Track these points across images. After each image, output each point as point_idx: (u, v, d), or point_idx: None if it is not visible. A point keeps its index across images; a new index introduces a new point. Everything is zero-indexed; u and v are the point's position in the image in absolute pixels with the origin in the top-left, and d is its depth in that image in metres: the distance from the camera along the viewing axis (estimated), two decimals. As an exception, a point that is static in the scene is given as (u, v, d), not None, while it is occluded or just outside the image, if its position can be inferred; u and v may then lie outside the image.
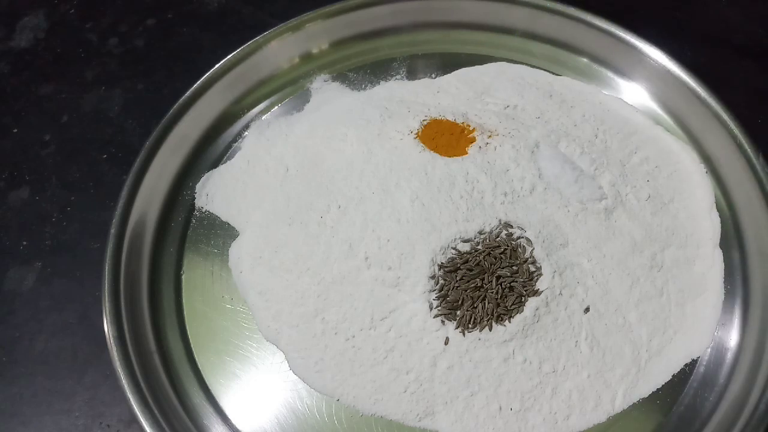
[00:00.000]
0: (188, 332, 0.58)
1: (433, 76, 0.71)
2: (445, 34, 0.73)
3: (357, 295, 0.55)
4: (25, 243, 0.66)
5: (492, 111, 0.65)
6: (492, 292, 0.54)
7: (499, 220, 0.57)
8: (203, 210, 0.64)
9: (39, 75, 0.78)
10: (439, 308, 0.54)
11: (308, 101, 0.70)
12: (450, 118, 0.64)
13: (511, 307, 0.53)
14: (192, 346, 0.57)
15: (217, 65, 0.67)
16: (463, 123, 0.63)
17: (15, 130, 0.73)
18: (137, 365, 0.53)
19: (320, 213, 0.59)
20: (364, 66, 0.72)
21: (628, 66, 0.68)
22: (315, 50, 0.72)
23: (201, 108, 0.66)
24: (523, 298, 0.54)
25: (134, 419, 0.51)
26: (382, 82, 0.71)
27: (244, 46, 0.68)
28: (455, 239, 0.56)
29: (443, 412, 0.52)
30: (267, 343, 0.56)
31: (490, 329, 0.53)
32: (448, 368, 0.52)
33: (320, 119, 0.67)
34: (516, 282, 0.54)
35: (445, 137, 0.62)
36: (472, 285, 0.54)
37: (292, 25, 0.70)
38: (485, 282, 0.54)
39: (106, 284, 0.56)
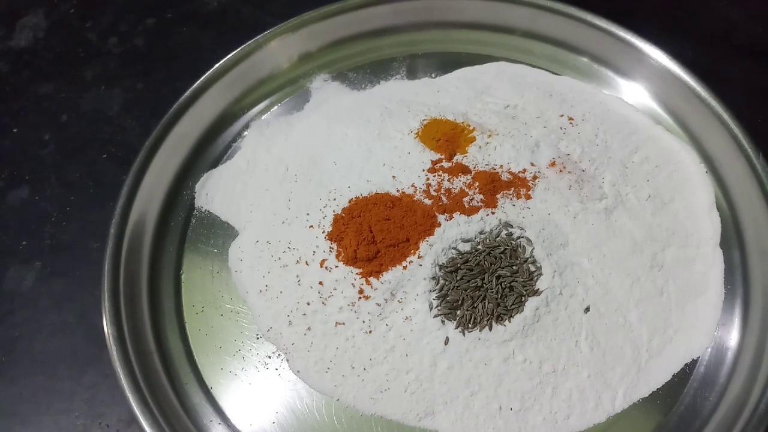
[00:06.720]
0: (188, 332, 0.57)
1: (433, 75, 0.70)
2: (445, 33, 0.73)
3: (357, 294, 0.55)
4: (24, 243, 0.66)
5: (492, 110, 0.65)
6: (492, 292, 0.54)
7: (499, 220, 0.57)
8: (203, 210, 0.64)
9: (38, 74, 0.78)
10: (440, 308, 0.54)
11: (308, 101, 0.70)
12: (450, 117, 0.64)
13: (511, 306, 0.53)
14: (191, 345, 0.57)
15: (216, 65, 0.67)
16: (463, 123, 0.63)
17: (15, 130, 0.73)
18: (137, 365, 0.53)
19: (320, 212, 0.59)
20: (364, 65, 0.72)
21: (629, 65, 0.68)
22: (315, 50, 0.72)
23: (201, 107, 0.66)
24: (523, 297, 0.54)
25: (134, 419, 0.51)
26: (382, 82, 0.71)
27: (244, 45, 0.68)
28: (455, 239, 0.56)
29: (443, 412, 0.52)
30: (267, 343, 0.56)
31: (490, 329, 0.53)
32: (448, 368, 0.52)
33: (320, 119, 0.66)
34: (516, 282, 0.54)
35: (445, 137, 0.62)
36: (473, 285, 0.54)
37: (292, 24, 0.70)
38: (485, 282, 0.54)
39: (106, 284, 0.56)
